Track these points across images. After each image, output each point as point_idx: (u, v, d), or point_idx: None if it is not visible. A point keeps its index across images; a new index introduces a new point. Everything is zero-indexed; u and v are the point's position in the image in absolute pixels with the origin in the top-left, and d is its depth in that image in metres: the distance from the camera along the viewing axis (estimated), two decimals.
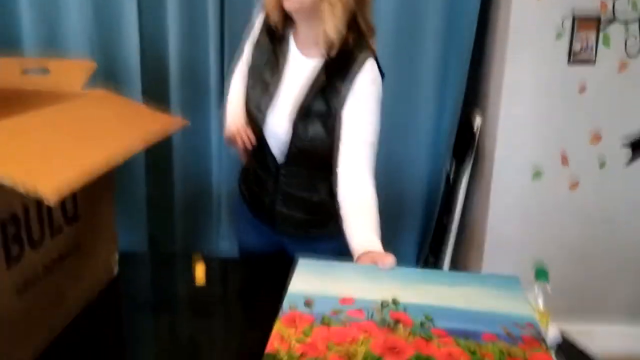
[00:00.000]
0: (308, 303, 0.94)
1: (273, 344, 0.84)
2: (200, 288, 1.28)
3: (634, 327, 2.33)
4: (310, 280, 1.02)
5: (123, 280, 1.26)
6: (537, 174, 2.16)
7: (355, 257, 1.15)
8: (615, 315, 2.33)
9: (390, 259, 1.09)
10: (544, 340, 0.89)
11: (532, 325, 0.91)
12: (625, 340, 2.29)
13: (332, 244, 1.31)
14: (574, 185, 2.17)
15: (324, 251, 1.26)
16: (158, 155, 2.21)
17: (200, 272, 1.31)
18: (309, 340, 0.85)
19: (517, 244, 2.19)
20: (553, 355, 0.98)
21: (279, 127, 1.31)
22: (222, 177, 2.26)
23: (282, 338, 0.85)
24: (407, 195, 2.36)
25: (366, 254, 1.12)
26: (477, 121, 2.24)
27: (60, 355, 0.99)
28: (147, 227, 2.26)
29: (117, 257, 1.25)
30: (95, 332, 1.07)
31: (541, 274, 1.00)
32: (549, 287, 1.01)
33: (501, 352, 0.84)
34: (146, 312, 1.18)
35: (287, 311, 0.92)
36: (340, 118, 1.26)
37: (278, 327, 0.88)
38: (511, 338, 0.87)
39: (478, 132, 2.23)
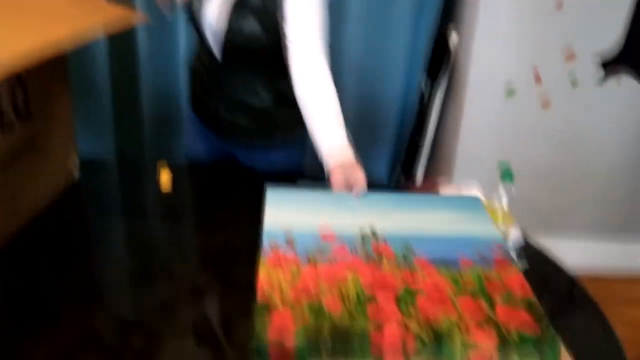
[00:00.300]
0: (289, 240, 0.93)
1: (263, 289, 0.81)
2: (161, 194, 1.26)
3: (597, 242, 2.41)
4: (284, 213, 1.01)
5: (86, 186, 1.24)
6: (510, 92, 2.14)
7: (326, 167, 1.14)
8: (579, 231, 2.40)
9: (361, 177, 1.11)
10: (514, 260, 0.94)
11: (500, 245, 0.97)
12: (587, 255, 2.36)
13: (285, 153, 1.28)
14: (547, 104, 2.17)
15: (278, 161, 1.24)
16: (124, 65, 2.12)
17: (165, 179, 1.29)
18: (299, 283, 0.83)
19: (488, 161, 2.19)
20: (515, 257, 1.00)
21: (213, 18, 1.27)
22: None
23: (271, 283, 0.83)
24: (381, 115, 2.32)
25: (338, 167, 1.12)
26: (453, 38, 2.19)
27: (20, 257, 0.98)
28: (115, 141, 2.21)
29: (77, 160, 1.21)
30: (56, 236, 1.06)
31: (506, 174, 1.00)
32: (513, 188, 1.01)
33: (479, 277, 0.88)
34: (107, 217, 1.16)
35: (269, 250, 0.90)
36: (282, 16, 1.21)
37: (264, 269, 0.86)
38: (485, 261, 0.92)
39: (454, 49, 2.18)
